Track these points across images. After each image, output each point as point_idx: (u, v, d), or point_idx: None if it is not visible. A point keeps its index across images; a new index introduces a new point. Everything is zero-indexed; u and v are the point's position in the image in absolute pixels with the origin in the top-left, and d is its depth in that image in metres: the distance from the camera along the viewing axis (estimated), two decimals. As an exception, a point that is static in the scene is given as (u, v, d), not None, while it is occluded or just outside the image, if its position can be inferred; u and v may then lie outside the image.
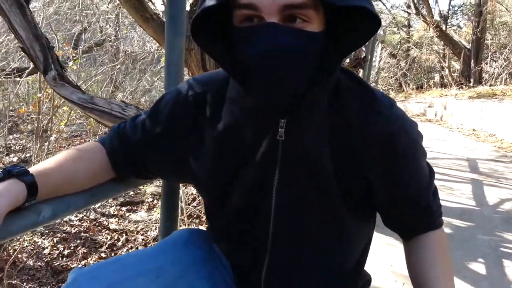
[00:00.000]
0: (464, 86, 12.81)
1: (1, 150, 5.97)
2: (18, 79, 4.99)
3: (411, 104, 11.73)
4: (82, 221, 4.14)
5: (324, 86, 0.84)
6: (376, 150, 0.89)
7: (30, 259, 3.43)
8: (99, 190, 1.06)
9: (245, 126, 0.91)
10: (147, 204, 4.56)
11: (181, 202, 3.52)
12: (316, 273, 0.99)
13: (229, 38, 0.82)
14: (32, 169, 0.87)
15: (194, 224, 3.78)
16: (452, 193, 4.21)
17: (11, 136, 6.57)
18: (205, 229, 1.15)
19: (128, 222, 4.17)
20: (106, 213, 4.38)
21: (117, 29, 7.61)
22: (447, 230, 3.23)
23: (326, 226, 0.95)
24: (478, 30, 13.29)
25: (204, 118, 0.96)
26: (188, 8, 3.35)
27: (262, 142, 0.90)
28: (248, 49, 0.76)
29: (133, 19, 3.52)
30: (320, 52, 0.80)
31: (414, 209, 0.99)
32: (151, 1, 3.02)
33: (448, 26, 15.66)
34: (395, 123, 0.90)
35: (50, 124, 5.29)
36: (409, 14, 17.63)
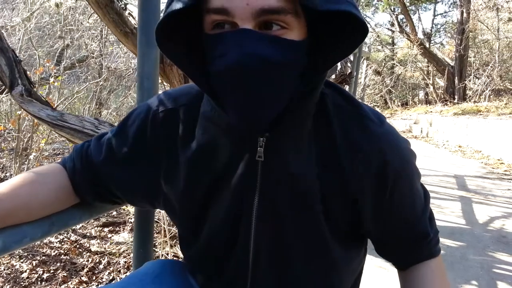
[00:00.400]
0: (448, 103, 12.97)
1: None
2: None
3: (396, 121, 11.79)
4: (62, 243, 3.99)
5: (308, 101, 0.76)
6: (366, 171, 0.80)
7: (6, 284, 3.25)
8: (59, 218, 0.94)
9: (221, 145, 0.82)
10: (129, 224, 4.41)
11: (164, 223, 3.38)
12: None
13: (200, 47, 0.73)
14: None
15: (178, 247, 3.63)
16: (442, 211, 4.15)
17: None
18: (181, 260, 1.05)
19: (110, 244, 4.02)
20: (88, 234, 4.23)
21: (101, 45, 7.50)
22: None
23: (312, 258, 0.86)
24: (461, 47, 13.54)
25: (176, 137, 0.87)
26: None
27: (239, 164, 0.81)
28: (219, 59, 0.67)
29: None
30: (302, 64, 0.71)
31: (409, 237, 0.91)
32: (131, 15, 2.94)
33: (431, 44, 15.90)
34: (385, 142, 0.81)
35: (30, 142, 5.14)
36: (393, 32, 17.89)
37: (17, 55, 1.60)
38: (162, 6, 1.27)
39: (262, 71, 0.65)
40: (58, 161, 0.98)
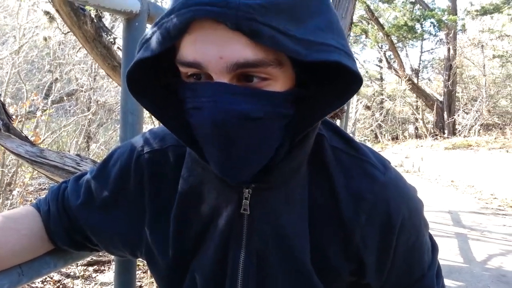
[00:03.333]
0: (439, 137, 13.10)
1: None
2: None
3: (387, 155, 11.80)
4: (45, 283, 3.80)
5: (298, 151, 0.68)
6: (370, 222, 0.72)
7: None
8: (31, 267, 0.85)
9: (206, 191, 0.75)
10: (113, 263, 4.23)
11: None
12: None
13: (175, 93, 0.65)
14: None
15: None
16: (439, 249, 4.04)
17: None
18: None
19: (95, 285, 3.84)
20: (71, 274, 4.05)
21: (91, 79, 7.48)
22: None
23: None
24: (449, 83, 13.81)
25: (163, 180, 0.79)
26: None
27: (224, 215, 0.74)
28: (195, 111, 0.61)
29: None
30: (288, 115, 0.63)
31: None
32: (120, 49, 2.89)
33: (419, 79, 16.20)
34: (391, 191, 0.74)
35: (14, 177, 5.00)
36: (381, 68, 18.24)
37: (2, 89, 1.52)
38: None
39: (239, 128, 0.59)
40: (32, 203, 0.89)
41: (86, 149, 7.13)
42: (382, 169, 0.75)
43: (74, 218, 0.83)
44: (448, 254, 3.92)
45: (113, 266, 4.16)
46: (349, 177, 0.73)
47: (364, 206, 0.72)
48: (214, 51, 0.56)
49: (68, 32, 3.61)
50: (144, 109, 0.77)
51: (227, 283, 0.74)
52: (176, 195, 0.77)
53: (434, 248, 0.83)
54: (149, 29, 0.61)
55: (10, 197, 4.69)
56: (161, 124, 0.75)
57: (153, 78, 0.66)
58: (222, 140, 0.60)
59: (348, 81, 0.60)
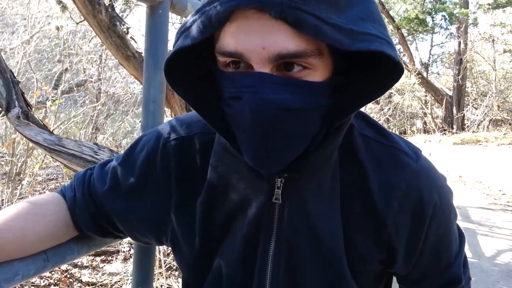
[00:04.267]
0: (447, 132, 13.01)
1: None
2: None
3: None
4: (53, 272, 3.83)
5: (332, 141, 0.67)
6: (402, 210, 0.72)
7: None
8: (55, 253, 0.85)
9: (236, 180, 0.75)
10: (123, 254, 4.26)
11: (159, 253, 3.25)
12: None
13: (213, 80, 0.65)
14: None
15: (173, 277, 3.49)
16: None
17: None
18: None
19: (102, 274, 3.87)
20: (79, 263, 4.08)
21: (100, 70, 7.49)
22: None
23: None
24: (459, 77, 13.67)
25: (189, 167, 0.79)
26: (170, 47, 3.23)
27: (255, 205, 0.73)
28: (233, 101, 0.61)
29: (116, 60, 3.41)
30: (326, 105, 0.63)
31: (440, 281, 0.82)
32: (133, 39, 2.89)
33: (429, 74, 16.07)
34: (424, 180, 0.74)
35: (24, 167, 5.04)
36: (391, 61, 18.08)
37: (15, 76, 1.53)
38: (169, 30, 1.21)
39: (279, 119, 0.59)
40: (57, 190, 0.89)
41: (94, 140, 7.16)
42: (414, 157, 0.74)
43: (100, 204, 0.83)
44: None
45: (120, 257, 4.19)
46: (380, 165, 0.73)
47: (397, 194, 0.72)
48: (257, 41, 0.55)
49: (80, 21, 3.60)
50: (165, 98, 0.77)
51: (256, 272, 0.75)
52: (203, 182, 0.77)
53: (461, 237, 0.84)
54: (189, 17, 0.60)
55: (19, 187, 4.74)
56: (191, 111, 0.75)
57: (190, 67, 0.65)
58: (260, 130, 0.59)
59: (388, 69, 0.59)
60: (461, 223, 4.89)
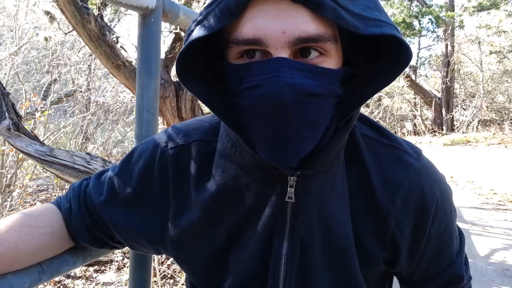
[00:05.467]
0: (437, 134, 13.12)
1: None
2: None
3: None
4: (45, 284, 3.77)
5: (342, 134, 0.68)
6: (405, 208, 0.74)
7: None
8: (51, 265, 0.84)
9: (244, 185, 0.74)
10: (116, 263, 4.22)
11: (153, 261, 3.22)
12: None
13: (218, 79, 0.66)
14: None
15: (168, 286, 3.46)
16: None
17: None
18: None
19: (96, 285, 3.82)
20: (72, 274, 4.03)
21: (89, 79, 7.45)
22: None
23: None
24: (447, 79, 13.81)
25: (188, 176, 0.78)
26: (163, 56, 3.23)
27: (267, 206, 0.73)
28: (249, 91, 0.60)
29: (106, 69, 3.39)
30: (338, 94, 0.64)
31: (441, 280, 0.82)
32: (123, 48, 2.89)
33: (417, 76, 16.21)
34: (425, 178, 0.75)
35: (13, 179, 4.98)
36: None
37: (5, 88, 1.52)
38: (162, 39, 1.21)
39: (300, 103, 0.59)
40: (53, 201, 0.88)
41: (85, 150, 7.11)
42: (416, 156, 0.76)
43: (97, 216, 0.82)
44: None
45: (113, 266, 4.15)
46: (383, 165, 0.74)
47: (399, 193, 0.73)
48: (277, 25, 0.56)
49: (69, 32, 3.59)
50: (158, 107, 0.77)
51: (270, 273, 0.74)
52: (206, 189, 0.76)
53: (461, 236, 0.84)
54: (202, 9, 0.61)
55: (10, 199, 4.68)
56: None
57: (202, 61, 0.66)
58: (279, 116, 0.59)
59: (394, 58, 0.61)
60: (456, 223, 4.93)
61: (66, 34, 3.64)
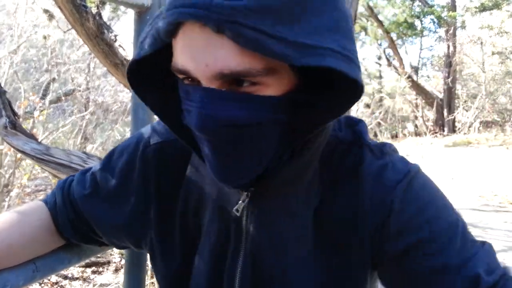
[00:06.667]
0: (438, 135, 13.12)
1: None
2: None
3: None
4: (43, 285, 3.78)
5: (298, 159, 0.64)
6: (383, 227, 0.67)
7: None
8: (45, 263, 0.85)
9: (211, 189, 0.74)
10: (114, 264, 4.22)
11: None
12: None
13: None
14: None
15: None
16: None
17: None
18: None
19: (93, 286, 3.81)
20: (69, 275, 4.03)
21: (88, 79, 7.44)
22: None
23: None
24: (449, 80, 13.80)
25: (169, 173, 0.78)
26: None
27: (222, 218, 0.73)
28: (187, 115, 0.59)
29: (105, 68, 3.38)
30: (287, 120, 0.60)
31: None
32: (121, 47, 2.87)
33: (418, 77, 16.21)
34: (413, 197, 0.68)
35: (12, 178, 4.97)
36: (380, 65, 18.26)
37: (2, 86, 1.50)
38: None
39: (227, 135, 0.57)
40: (41, 198, 0.90)
41: (83, 150, 7.09)
42: (406, 177, 0.69)
43: (79, 210, 0.83)
44: None
45: (111, 267, 4.14)
46: (372, 184, 0.69)
47: (385, 211, 0.67)
48: (200, 57, 0.54)
49: (68, 30, 3.57)
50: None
51: (224, 284, 0.73)
52: (182, 188, 0.77)
53: (463, 229, 0.71)
54: (147, 26, 0.60)
55: (8, 198, 4.67)
56: None
57: (154, 75, 0.65)
58: (212, 145, 0.59)
59: (349, 87, 0.56)
60: None
61: (65, 32, 3.62)
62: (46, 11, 3.82)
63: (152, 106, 0.66)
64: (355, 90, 0.56)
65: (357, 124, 0.75)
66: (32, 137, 1.60)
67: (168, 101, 0.65)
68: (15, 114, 1.51)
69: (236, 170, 0.61)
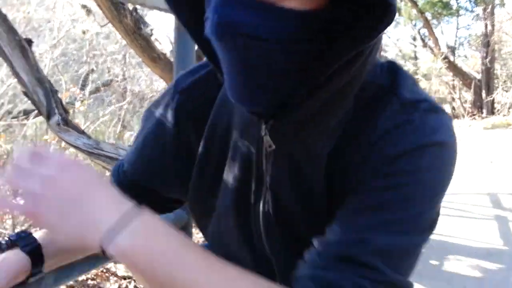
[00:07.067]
0: (477, 117, 12.71)
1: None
2: (25, 122, 4.95)
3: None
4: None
5: (322, 94, 0.58)
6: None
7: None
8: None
9: (233, 123, 0.73)
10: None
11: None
12: None
13: None
14: (39, 235, 0.77)
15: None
16: (477, 232, 3.98)
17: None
18: None
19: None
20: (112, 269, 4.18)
21: (124, 69, 7.62)
22: (475, 273, 3.01)
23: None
24: (487, 60, 13.30)
25: (202, 115, 0.78)
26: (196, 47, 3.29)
27: (244, 149, 0.72)
28: (207, 25, 0.54)
29: (140, 59, 3.49)
30: (314, 41, 0.54)
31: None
32: (158, 41, 2.97)
33: (455, 57, 15.68)
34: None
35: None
36: (416, 46, 17.74)
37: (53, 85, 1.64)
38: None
39: (243, 47, 0.53)
40: None
41: (122, 137, 7.32)
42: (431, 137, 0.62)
43: (139, 176, 0.84)
44: (487, 237, 3.85)
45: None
46: (381, 132, 0.62)
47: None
48: None
49: (104, 24, 3.70)
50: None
51: (250, 213, 0.74)
52: (209, 125, 0.77)
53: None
54: None
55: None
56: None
57: None
58: (227, 58, 0.55)
59: (378, 10, 0.51)
60: (491, 210, 4.81)
61: (102, 26, 3.75)
62: (84, 6, 3.96)
63: (185, 23, 0.64)
64: (385, 11, 0.51)
65: (397, 71, 0.67)
66: (83, 132, 1.72)
67: (199, 17, 0.60)
68: (66, 111, 1.64)
69: (250, 90, 0.57)
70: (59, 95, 5.03)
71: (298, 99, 0.58)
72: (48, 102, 1.59)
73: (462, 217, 4.36)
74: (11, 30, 1.53)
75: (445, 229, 3.71)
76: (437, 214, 0.65)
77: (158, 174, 0.83)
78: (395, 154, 0.60)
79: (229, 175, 0.75)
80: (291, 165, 0.68)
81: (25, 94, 1.66)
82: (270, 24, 0.51)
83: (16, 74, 1.61)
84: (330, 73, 0.54)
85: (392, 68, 0.67)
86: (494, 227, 4.16)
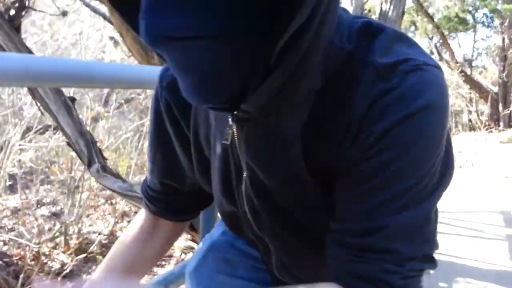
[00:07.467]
0: (493, 130, 12.64)
1: (33, 203, 6.08)
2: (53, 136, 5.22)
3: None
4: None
5: (276, 78, 0.53)
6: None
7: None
8: None
9: (211, 111, 0.75)
10: (175, 258, 4.50)
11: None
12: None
13: None
14: (95, 276, 0.86)
15: None
16: (487, 253, 4.03)
17: (42, 187, 6.71)
18: None
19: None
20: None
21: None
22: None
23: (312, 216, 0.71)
24: (504, 74, 13.25)
25: (184, 102, 0.71)
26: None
27: (219, 142, 0.74)
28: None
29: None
30: (257, 28, 0.51)
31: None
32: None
33: (473, 68, 15.61)
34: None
35: (82, 182, 5.41)
36: (432, 58, 17.67)
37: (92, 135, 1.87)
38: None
39: (178, 49, 0.51)
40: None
41: (141, 151, 7.55)
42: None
43: (160, 190, 0.89)
44: (498, 258, 3.87)
45: (172, 261, 4.41)
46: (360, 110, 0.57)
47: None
48: None
49: (131, 55, 3.96)
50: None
51: (235, 196, 0.76)
52: (194, 119, 0.79)
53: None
54: None
55: (79, 199, 5.10)
56: None
57: None
58: (170, 63, 0.54)
59: None
60: (504, 229, 4.80)
61: (128, 57, 4.00)
62: (111, 38, 4.20)
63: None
64: None
65: (376, 35, 0.59)
66: (118, 176, 1.95)
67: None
68: (104, 159, 1.87)
69: (202, 90, 0.55)
70: (85, 113, 5.28)
71: (253, 86, 0.54)
72: (89, 152, 1.82)
73: (473, 236, 4.33)
74: (57, 91, 1.77)
75: (454, 249, 3.74)
76: (441, 173, 0.62)
77: (176, 176, 0.87)
78: (380, 131, 0.56)
79: (214, 161, 0.76)
80: (266, 149, 0.65)
81: (69, 144, 1.91)
82: (201, 21, 0.48)
83: (61, 128, 1.86)
84: (278, 52, 0.50)
85: (365, 30, 0.60)
86: (505, 248, 4.18)
